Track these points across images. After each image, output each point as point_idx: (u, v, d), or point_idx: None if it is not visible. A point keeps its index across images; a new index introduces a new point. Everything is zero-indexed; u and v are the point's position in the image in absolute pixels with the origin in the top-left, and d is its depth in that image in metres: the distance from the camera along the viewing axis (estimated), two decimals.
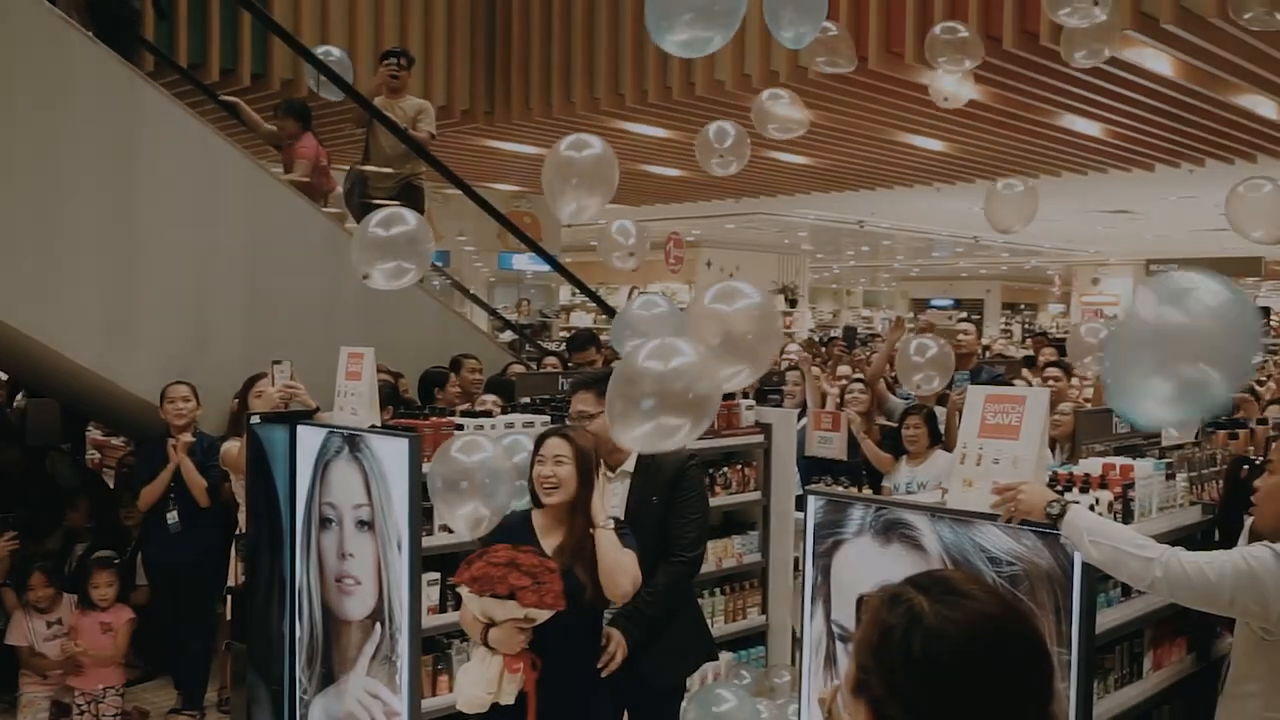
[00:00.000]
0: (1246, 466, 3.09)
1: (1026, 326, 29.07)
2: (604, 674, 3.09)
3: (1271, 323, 7.17)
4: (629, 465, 3.56)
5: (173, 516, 5.18)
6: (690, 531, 3.46)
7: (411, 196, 6.99)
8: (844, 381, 7.53)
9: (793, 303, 22.78)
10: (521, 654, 2.89)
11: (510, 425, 4.03)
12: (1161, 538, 2.82)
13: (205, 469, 5.15)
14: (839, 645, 2.84)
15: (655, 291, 23.40)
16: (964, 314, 21.10)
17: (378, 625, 3.74)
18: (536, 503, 3.12)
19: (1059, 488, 2.72)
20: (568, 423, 3.46)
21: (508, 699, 2.88)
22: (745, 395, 5.04)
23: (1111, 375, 2.17)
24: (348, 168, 7.41)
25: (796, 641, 4.95)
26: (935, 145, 10.27)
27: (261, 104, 7.52)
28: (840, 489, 5.19)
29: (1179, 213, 16.73)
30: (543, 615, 2.84)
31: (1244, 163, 10.64)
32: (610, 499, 3.50)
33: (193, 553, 5.20)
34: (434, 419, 3.94)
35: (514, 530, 3.10)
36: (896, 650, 1.22)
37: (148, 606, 5.41)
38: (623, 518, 3.44)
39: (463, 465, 3.00)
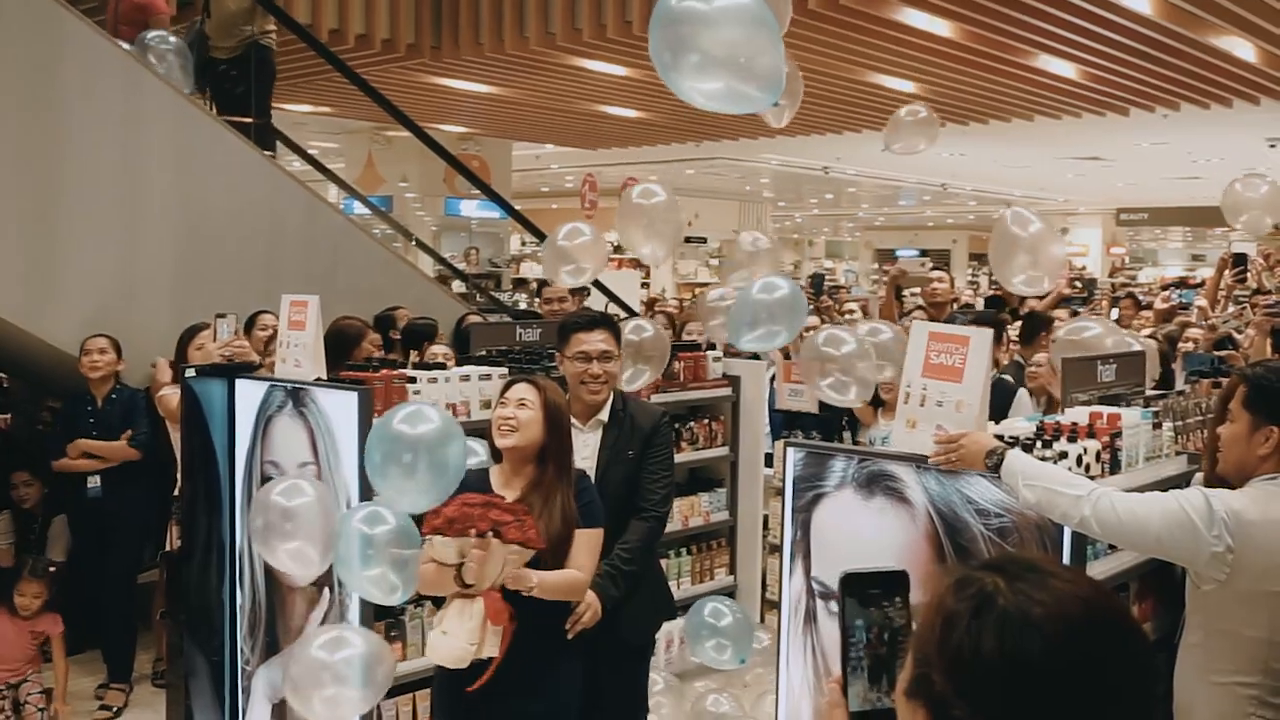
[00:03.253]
0: None
1: (994, 278, 29.36)
2: (570, 634, 3.07)
3: (1248, 271, 7.27)
4: (604, 415, 3.56)
5: (93, 480, 5.06)
6: (663, 488, 3.51)
7: (259, 59, 6.56)
8: (809, 332, 7.55)
9: None
10: (503, 605, 2.87)
11: (466, 378, 3.97)
12: (1148, 489, 2.85)
13: (129, 424, 5.05)
14: (819, 603, 2.84)
15: (609, 241, 23.23)
16: (931, 265, 21.26)
17: (326, 591, 3.69)
18: (496, 458, 3.07)
19: (1047, 437, 2.73)
20: (588, 363, 3.48)
21: (490, 651, 2.85)
22: (712, 346, 5.01)
23: None
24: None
25: (766, 602, 5.00)
26: (906, 87, 10.23)
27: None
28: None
29: (1150, 159, 16.93)
30: (525, 555, 2.83)
31: (1219, 107, 10.76)
32: (583, 449, 3.47)
33: (120, 515, 5.09)
34: (385, 371, 3.86)
35: (470, 488, 3.05)
36: (965, 637, 1.04)
37: (66, 577, 5.28)
38: (595, 468, 3.42)
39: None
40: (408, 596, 2.96)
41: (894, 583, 1.25)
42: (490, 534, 2.77)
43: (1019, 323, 6.90)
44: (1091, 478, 2.70)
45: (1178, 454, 3.23)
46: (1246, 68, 9.09)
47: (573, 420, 3.51)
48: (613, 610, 3.23)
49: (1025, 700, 1.03)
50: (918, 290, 8.41)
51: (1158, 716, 1.11)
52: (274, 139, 7.06)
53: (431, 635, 2.94)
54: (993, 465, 2.48)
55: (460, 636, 2.84)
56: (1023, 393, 5.09)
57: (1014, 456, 2.47)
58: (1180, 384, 4.26)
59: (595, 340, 3.50)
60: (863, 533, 2.76)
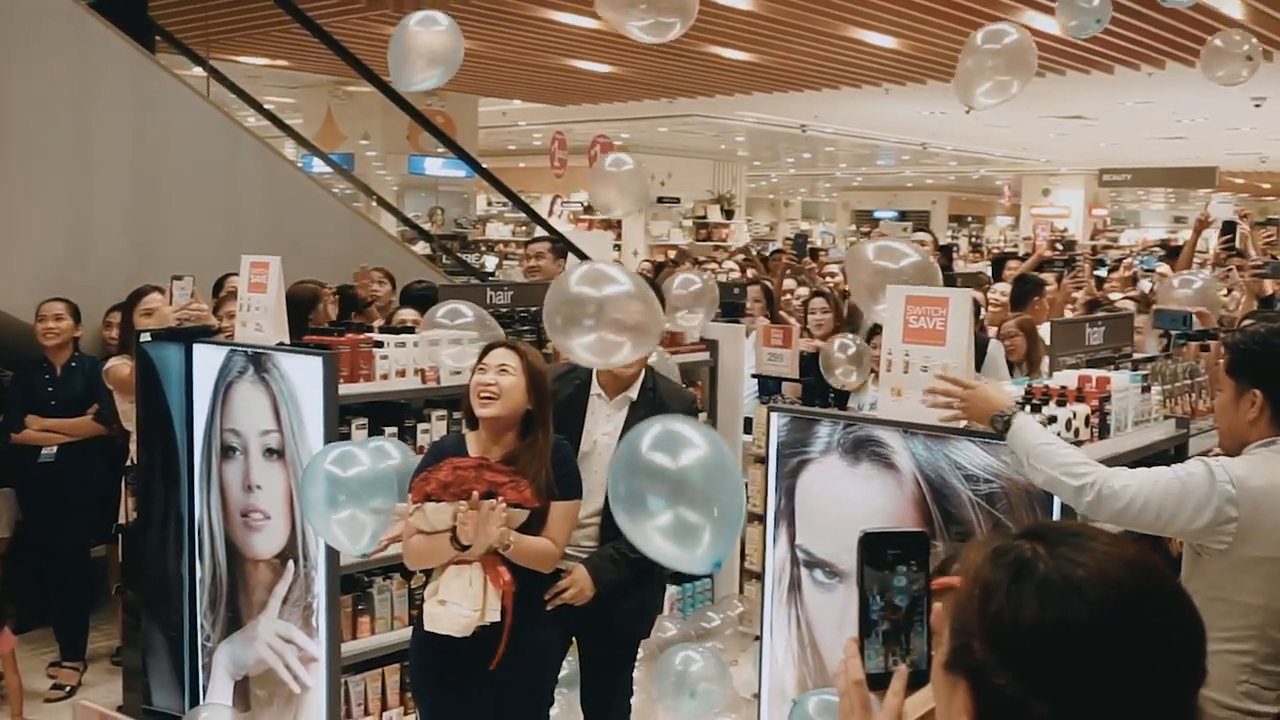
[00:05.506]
0: None
1: (974, 240, 29.51)
2: (549, 606, 3.06)
3: (1238, 233, 7.34)
4: (632, 393, 3.45)
5: (48, 449, 4.98)
6: None
7: None
8: (787, 296, 7.53)
9: (729, 214, 22.70)
10: (504, 567, 2.87)
11: (435, 343, 3.92)
12: (1137, 453, 2.88)
13: (91, 396, 4.95)
14: (804, 572, 2.85)
15: (578, 201, 23.09)
16: (913, 226, 21.29)
17: (290, 564, 3.67)
18: (472, 424, 3.04)
19: (1035, 401, 2.73)
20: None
21: (493, 616, 2.85)
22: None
23: None
24: None
25: (745, 572, 5.02)
26: (887, 42, 10.19)
27: None
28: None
29: (1134, 119, 16.98)
30: (520, 517, 2.82)
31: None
32: (605, 424, 3.43)
33: (74, 484, 5.01)
34: (350, 335, 3.81)
35: (447, 452, 3.02)
36: (1004, 604, 1.04)
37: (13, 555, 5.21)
38: (616, 448, 3.37)
39: None
40: (373, 545, 2.95)
41: (913, 544, 1.24)
42: (488, 495, 2.76)
43: (999, 284, 6.93)
44: (1080, 442, 2.71)
45: (1166, 418, 3.25)
46: (1233, 25, 9.10)
47: (599, 393, 3.46)
48: (613, 600, 3.20)
49: (1071, 666, 1.01)
50: None
51: (1204, 679, 1.08)
52: (153, 35, 6.79)
53: (428, 606, 2.90)
54: (1000, 429, 2.46)
55: (463, 603, 2.82)
56: (995, 344, 5.11)
57: (1021, 427, 2.44)
58: (1150, 341, 4.30)
59: None
60: (849, 499, 2.76)
